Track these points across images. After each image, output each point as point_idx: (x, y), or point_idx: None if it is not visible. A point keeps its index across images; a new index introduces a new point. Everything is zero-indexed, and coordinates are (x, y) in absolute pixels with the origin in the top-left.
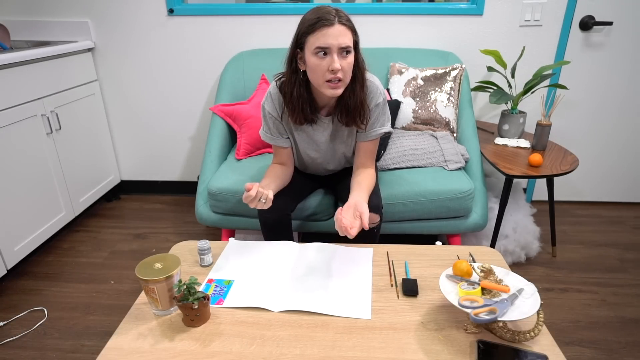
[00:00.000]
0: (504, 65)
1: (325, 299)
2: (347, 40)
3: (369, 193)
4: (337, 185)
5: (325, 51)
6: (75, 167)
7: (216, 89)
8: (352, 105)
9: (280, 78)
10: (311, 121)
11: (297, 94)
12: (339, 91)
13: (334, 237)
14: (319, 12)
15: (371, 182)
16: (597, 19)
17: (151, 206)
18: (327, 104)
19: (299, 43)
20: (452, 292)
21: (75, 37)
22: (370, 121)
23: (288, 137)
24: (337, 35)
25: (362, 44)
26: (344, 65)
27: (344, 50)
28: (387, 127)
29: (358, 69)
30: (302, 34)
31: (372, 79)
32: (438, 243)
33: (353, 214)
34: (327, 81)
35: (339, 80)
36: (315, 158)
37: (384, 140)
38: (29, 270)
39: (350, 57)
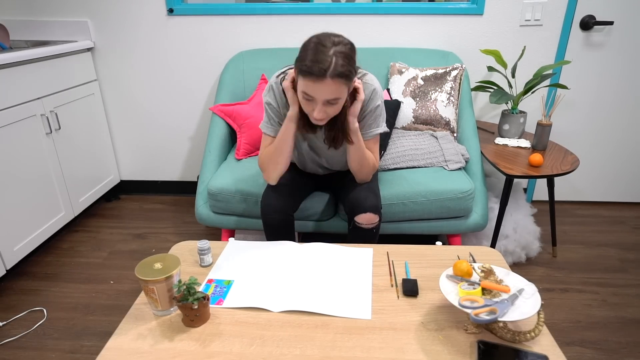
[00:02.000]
0: (505, 65)
1: (325, 299)
2: (336, 94)
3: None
4: (338, 185)
5: (312, 98)
6: (74, 167)
7: (216, 89)
8: (343, 131)
9: (283, 75)
10: (308, 131)
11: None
12: (323, 122)
13: (334, 238)
14: (316, 54)
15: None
16: (597, 19)
17: (151, 206)
18: None
19: (297, 74)
20: (453, 292)
21: (74, 36)
22: (368, 122)
23: None
24: (324, 91)
25: (363, 44)
26: (329, 111)
27: (332, 101)
28: (383, 127)
29: (351, 98)
30: (298, 70)
31: (372, 82)
32: (438, 243)
33: None
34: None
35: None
36: (312, 156)
37: (384, 139)
38: (28, 271)
39: (339, 103)
